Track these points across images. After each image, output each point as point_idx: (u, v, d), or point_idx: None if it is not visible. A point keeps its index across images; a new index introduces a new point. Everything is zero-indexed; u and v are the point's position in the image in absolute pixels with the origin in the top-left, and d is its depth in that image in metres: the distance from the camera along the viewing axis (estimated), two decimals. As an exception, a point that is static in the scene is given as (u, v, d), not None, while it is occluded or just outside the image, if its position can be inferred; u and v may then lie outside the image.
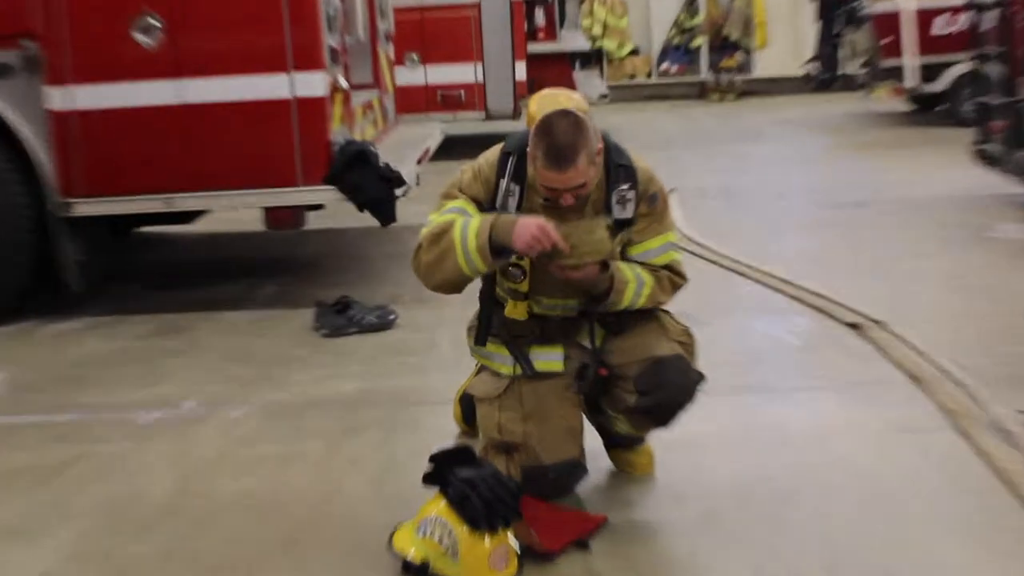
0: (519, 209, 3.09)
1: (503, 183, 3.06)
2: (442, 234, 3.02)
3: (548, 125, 2.90)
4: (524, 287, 3.15)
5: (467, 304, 3.44)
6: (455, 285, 3.07)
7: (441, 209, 3.11)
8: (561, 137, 2.87)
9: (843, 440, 3.65)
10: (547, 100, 3.51)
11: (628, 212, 3.09)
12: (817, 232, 6.95)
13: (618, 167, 3.08)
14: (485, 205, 3.11)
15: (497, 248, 2.94)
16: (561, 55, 11.67)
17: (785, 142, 11.15)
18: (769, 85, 15.98)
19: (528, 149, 2.96)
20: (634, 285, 3.10)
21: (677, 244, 3.23)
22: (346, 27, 5.83)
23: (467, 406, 3.60)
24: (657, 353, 3.11)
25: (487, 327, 3.25)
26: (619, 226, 3.11)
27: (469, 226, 2.98)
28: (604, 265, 3.02)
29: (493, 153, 3.14)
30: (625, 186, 3.07)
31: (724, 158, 10.22)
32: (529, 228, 2.89)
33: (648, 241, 3.15)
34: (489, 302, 3.25)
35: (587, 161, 2.91)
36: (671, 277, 3.19)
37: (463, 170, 3.19)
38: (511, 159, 3.08)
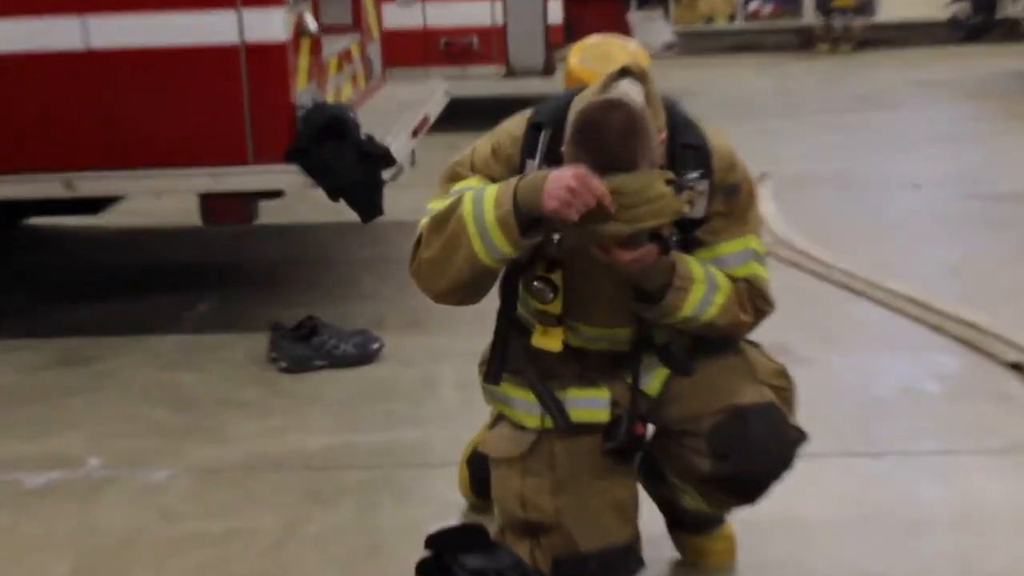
0: None
1: (531, 166, 3.03)
2: (448, 215, 2.99)
3: (593, 126, 2.86)
4: (556, 308, 3.14)
5: (478, 329, 3.44)
6: (471, 287, 3.04)
7: (444, 195, 3.10)
8: (613, 146, 2.84)
9: (1000, 525, 3.65)
10: (594, 53, 3.56)
11: (698, 210, 3.07)
12: (966, 236, 6.97)
13: (685, 148, 3.07)
14: None
15: (526, 218, 2.88)
16: (612, -13, 11.69)
17: (921, 111, 11.11)
18: (899, 32, 15.89)
19: (564, 145, 2.94)
20: (703, 288, 3.05)
21: (763, 254, 3.20)
22: (315, -54, 5.89)
23: (478, 470, 3.59)
24: (740, 400, 3.11)
25: (502, 359, 3.23)
26: (685, 228, 3.07)
27: (485, 194, 2.95)
28: (663, 248, 2.97)
29: (517, 125, 3.14)
30: (695, 174, 3.03)
31: (836, 133, 10.20)
32: (563, 180, 2.81)
33: (723, 244, 3.13)
34: (509, 326, 3.24)
35: (648, 167, 2.87)
36: (751, 293, 3.15)
37: (475, 145, 3.17)
38: (543, 134, 3.06)
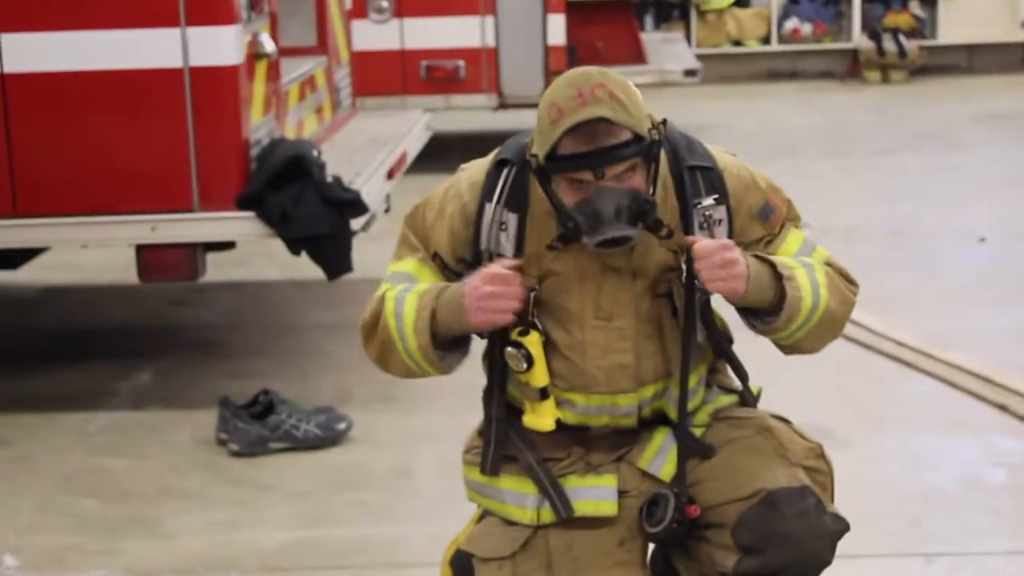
0: (517, 252, 3.15)
1: (489, 210, 3.13)
2: (375, 323, 3.23)
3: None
4: (538, 379, 3.17)
5: (462, 405, 3.58)
6: (422, 377, 3.33)
7: (398, 261, 3.29)
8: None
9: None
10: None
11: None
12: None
13: (692, 171, 3.16)
14: (460, 255, 3.20)
15: (446, 341, 3.14)
16: (623, 5, 11.72)
17: (990, 151, 11.15)
18: (964, 57, 15.94)
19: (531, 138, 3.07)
20: (801, 268, 3.14)
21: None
22: (274, -44, 5.92)
23: (463, 572, 3.52)
24: (769, 485, 3.13)
25: (496, 445, 3.27)
26: None
27: (404, 317, 3.15)
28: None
29: (480, 166, 3.23)
30: (709, 200, 3.13)
31: (890, 177, 10.24)
32: (477, 290, 3.04)
33: (781, 249, 3.22)
34: (499, 408, 3.28)
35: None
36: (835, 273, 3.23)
37: (428, 197, 3.28)
38: (507, 171, 3.14)
